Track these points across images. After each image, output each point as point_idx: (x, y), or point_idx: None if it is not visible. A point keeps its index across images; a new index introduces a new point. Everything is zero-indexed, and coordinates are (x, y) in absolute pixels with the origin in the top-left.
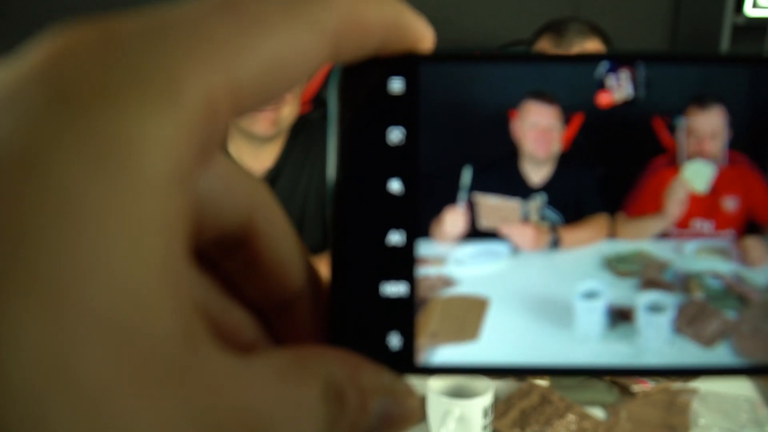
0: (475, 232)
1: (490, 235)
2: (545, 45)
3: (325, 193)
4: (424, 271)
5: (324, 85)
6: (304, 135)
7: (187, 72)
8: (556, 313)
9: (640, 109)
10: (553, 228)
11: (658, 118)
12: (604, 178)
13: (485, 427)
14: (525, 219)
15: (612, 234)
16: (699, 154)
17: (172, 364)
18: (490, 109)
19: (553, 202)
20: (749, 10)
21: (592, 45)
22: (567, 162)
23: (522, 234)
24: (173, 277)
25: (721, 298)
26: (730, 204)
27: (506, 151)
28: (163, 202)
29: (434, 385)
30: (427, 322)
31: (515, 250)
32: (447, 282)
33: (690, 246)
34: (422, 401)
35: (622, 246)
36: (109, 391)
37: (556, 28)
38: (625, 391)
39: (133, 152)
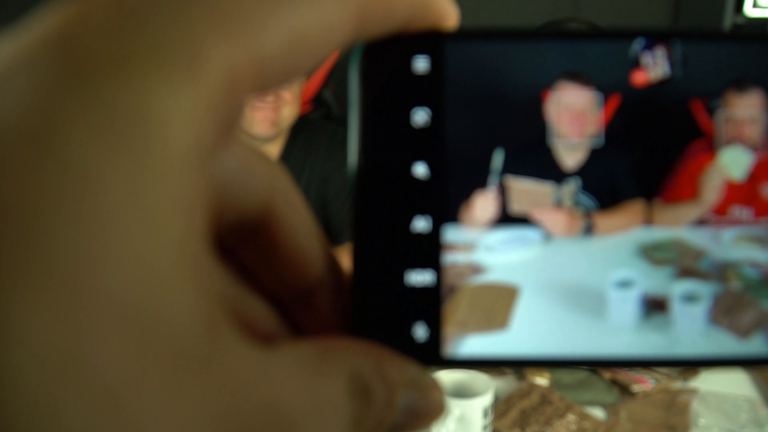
0: (505, 218)
1: (522, 220)
2: None
3: (324, 193)
4: (451, 259)
5: (324, 85)
6: (304, 135)
7: (209, 43)
8: (589, 302)
9: (677, 90)
10: (587, 214)
11: (697, 100)
12: (640, 163)
13: (485, 427)
14: (558, 204)
15: (647, 220)
16: (737, 139)
17: (194, 356)
18: (521, 89)
19: (587, 186)
20: (749, 10)
21: None
22: (602, 145)
23: (554, 219)
24: (194, 263)
25: (758, 287)
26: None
27: (538, 134)
28: (184, 183)
29: None
30: (454, 312)
31: (547, 236)
32: (476, 269)
33: (728, 234)
34: None
35: (658, 233)
36: (131, 386)
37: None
38: (625, 391)
39: (153, 128)
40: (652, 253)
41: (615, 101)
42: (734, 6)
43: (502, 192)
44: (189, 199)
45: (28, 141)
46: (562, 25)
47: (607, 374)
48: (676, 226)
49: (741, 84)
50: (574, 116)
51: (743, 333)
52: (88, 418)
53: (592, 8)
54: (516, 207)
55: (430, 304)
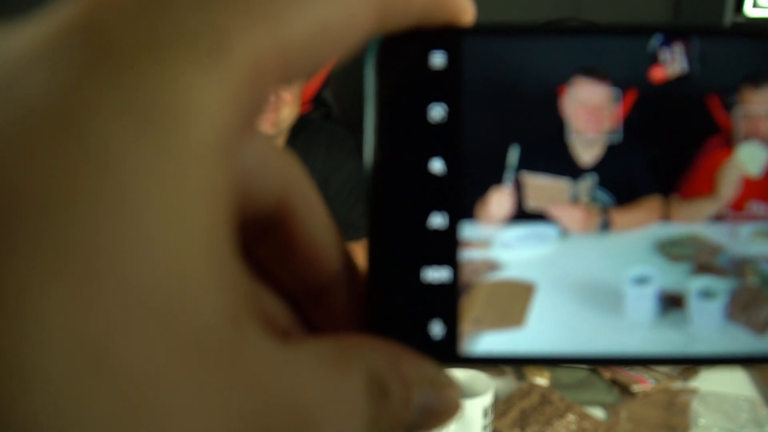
0: (521, 214)
1: (538, 216)
2: None
3: (324, 193)
4: (467, 255)
5: (324, 85)
6: (304, 135)
7: (236, 30)
8: (606, 299)
9: (695, 86)
10: (604, 210)
11: (714, 96)
12: (658, 158)
13: (485, 427)
14: (574, 200)
15: (665, 216)
16: (754, 135)
17: (220, 350)
18: (537, 85)
19: (604, 182)
20: (749, 10)
21: None
22: (619, 141)
23: (571, 216)
24: (220, 255)
25: None
26: None
27: (555, 130)
28: (210, 171)
29: None
30: (470, 308)
31: (564, 232)
32: (492, 266)
33: (745, 229)
34: None
35: (675, 229)
36: (156, 379)
37: None
38: (625, 391)
39: (180, 114)
40: (669, 249)
41: (632, 97)
42: (734, 6)
43: (518, 188)
44: (214, 188)
45: (51, 123)
46: (562, 24)
47: (607, 374)
48: (693, 222)
49: (757, 80)
50: (590, 112)
51: (761, 329)
52: (114, 410)
53: (592, 8)
54: (532, 203)
55: (446, 301)
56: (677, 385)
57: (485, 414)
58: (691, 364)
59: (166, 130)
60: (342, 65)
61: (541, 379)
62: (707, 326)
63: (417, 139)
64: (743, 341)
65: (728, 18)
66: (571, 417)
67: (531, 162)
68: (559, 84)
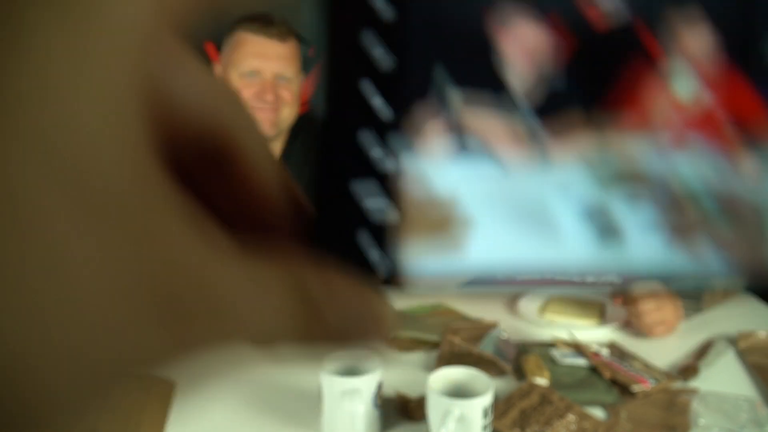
0: (462, 149)
1: (477, 150)
2: None
3: None
4: (404, 186)
5: None
6: (304, 135)
7: None
8: (545, 225)
9: (625, 16)
10: (540, 140)
11: (642, 24)
12: (589, 84)
13: (485, 427)
14: (512, 133)
15: (600, 143)
16: (683, 59)
17: (116, 198)
18: (475, 26)
19: (541, 114)
20: None
21: None
22: (552, 75)
23: (509, 149)
24: (124, 122)
25: (702, 198)
26: (717, 113)
27: (493, 69)
28: (123, 52)
29: (434, 385)
30: (408, 233)
31: (502, 164)
32: (430, 198)
33: (679, 156)
34: (422, 401)
35: (612, 156)
36: (46, 211)
37: None
38: (625, 391)
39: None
40: (606, 176)
41: (567, 34)
42: None
43: (458, 125)
44: (126, 67)
45: None
46: None
47: (607, 374)
48: (628, 149)
49: (682, 2)
50: (527, 52)
51: (691, 247)
52: (4, 235)
53: None
54: (471, 138)
55: (384, 226)
56: (677, 385)
57: (485, 414)
58: (630, 281)
59: (83, 8)
60: None
61: (541, 379)
62: (643, 243)
63: (362, 80)
64: (678, 259)
65: None
66: (571, 417)
67: (471, 100)
68: (497, 24)
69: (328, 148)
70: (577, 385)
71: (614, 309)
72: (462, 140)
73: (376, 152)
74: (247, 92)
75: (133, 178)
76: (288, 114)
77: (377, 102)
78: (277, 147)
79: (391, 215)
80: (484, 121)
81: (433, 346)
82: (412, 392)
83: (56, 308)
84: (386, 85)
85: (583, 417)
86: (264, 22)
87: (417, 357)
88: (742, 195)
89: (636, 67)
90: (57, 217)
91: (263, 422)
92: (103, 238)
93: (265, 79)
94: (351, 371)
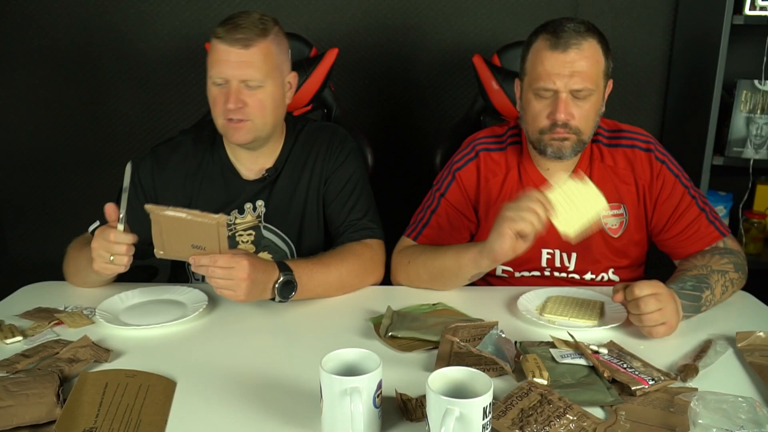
0: None
1: None
2: (541, 45)
3: (324, 193)
4: None
5: (324, 85)
6: (304, 135)
7: None
8: None
9: None
10: None
11: None
12: None
13: (485, 427)
14: None
15: None
16: None
17: None
18: None
19: None
20: (749, 11)
21: (589, 44)
22: None
23: None
24: None
25: None
26: None
27: None
28: None
29: (434, 385)
30: None
31: None
32: None
33: None
34: (422, 401)
35: None
36: None
37: (552, 28)
38: (625, 391)
39: None
40: None
41: None
42: (734, 6)
43: None
44: None
45: None
46: (559, 25)
47: (607, 373)
48: None
49: None
50: None
51: None
52: None
53: (591, 8)
54: None
55: None
56: (677, 385)
57: (485, 414)
58: None
59: None
60: (342, 65)
61: (541, 379)
62: None
63: None
64: None
65: (728, 18)
66: (570, 416)
67: None
68: None
69: None
70: (577, 384)
71: (614, 309)
72: None
73: None
74: (219, 100)
75: None
76: (261, 119)
77: None
78: (276, 146)
79: None
80: None
81: (433, 346)
82: (412, 392)
83: None
84: None
85: (583, 417)
86: (231, 27)
87: (417, 357)
88: None
89: None
90: None
91: (263, 422)
92: None
93: (231, 87)
94: (351, 371)
